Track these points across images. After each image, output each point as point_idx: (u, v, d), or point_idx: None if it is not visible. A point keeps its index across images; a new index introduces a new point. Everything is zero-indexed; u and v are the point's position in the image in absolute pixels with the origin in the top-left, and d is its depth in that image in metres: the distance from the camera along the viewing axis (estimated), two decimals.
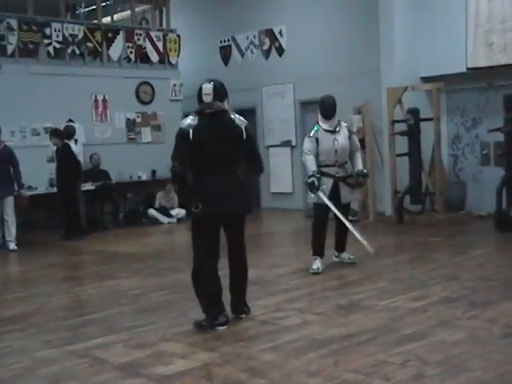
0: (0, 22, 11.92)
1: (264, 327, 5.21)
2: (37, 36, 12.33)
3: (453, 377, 3.94)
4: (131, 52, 13.68)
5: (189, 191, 5.15)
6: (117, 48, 13.47)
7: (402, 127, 10.86)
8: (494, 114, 10.31)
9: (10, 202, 10.15)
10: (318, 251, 7.27)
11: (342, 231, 7.53)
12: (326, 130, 7.19)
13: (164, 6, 14.69)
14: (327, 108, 7.25)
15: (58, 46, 12.58)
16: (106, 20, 14.96)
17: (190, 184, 5.13)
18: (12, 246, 10.07)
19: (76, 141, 11.89)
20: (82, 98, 12.70)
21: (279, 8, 13.90)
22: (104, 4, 14.58)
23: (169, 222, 12.74)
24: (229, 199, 5.14)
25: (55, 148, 10.96)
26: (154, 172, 13.63)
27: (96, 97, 13.06)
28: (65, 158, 10.80)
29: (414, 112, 10.68)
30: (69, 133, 11.38)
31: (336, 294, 6.22)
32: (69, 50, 12.76)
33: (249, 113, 14.70)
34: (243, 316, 5.42)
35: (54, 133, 11.12)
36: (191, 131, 5.02)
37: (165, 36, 14.20)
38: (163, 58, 14.18)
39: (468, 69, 10.57)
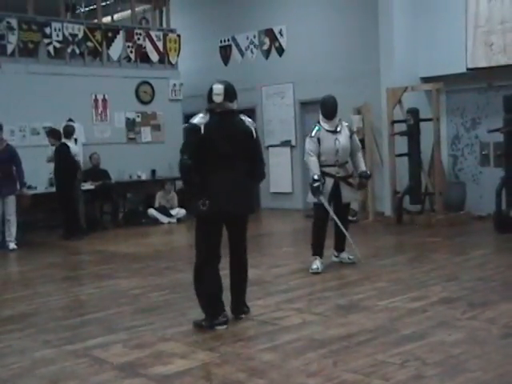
0: (0, 21, 11.92)
1: (263, 327, 5.21)
2: (37, 35, 12.32)
3: (452, 377, 3.95)
4: (131, 52, 13.68)
5: (196, 187, 5.13)
6: (117, 48, 13.47)
7: (402, 127, 10.86)
8: (494, 114, 10.32)
9: (11, 201, 10.14)
10: (318, 251, 7.27)
11: (341, 231, 7.54)
12: (327, 130, 7.19)
13: (164, 5, 14.69)
14: (328, 108, 7.25)
15: (58, 45, 12.58)
16: (106, 20, 14.96)
17: (197, 179, 5.11)
18: (12, 245, 10.07)
19: (76, 140, 11.91)
20: (82, 97, 12.70)
21: (279, 8, 13.90)
22: (104, 4, 14.58)
23: (168, 222, 12.75)
24: (235, 198, 5.16)
25: (54, 148, 10.96)
26: (153, 172, 13.63)
27: (96, 96, 13.06)
28: (63, 158, 10.79)
29: (413, 112, 10.68)
30: (68, 132, 11.38)
31: (335, 294, 6.23)
32: (69, 50, 12.75)
33: (249, 113, 14.61)
34: (243, 316, 5.42)
35: (50, 133, 11.11)
36: (202, 127, 5.06)
37: (165, 36, 14.20)
38: (163, 58, 14.18)
39: (468, 69, 10.58)
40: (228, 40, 15.07)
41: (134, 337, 5.09)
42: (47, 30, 12.45)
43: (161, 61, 14.15)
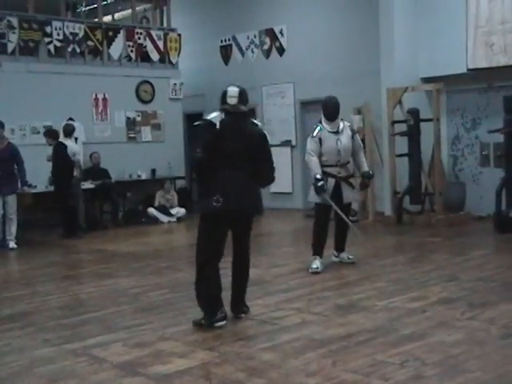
0: (1, 20, 11.92)
1: (263, 327, 5.21)
2: (37, 34, 12.33)
3: (451, 377, 3.95)
4: (132, 51, 13.68)
5: (209, 183, 5.13)
6: (117, 47, 13.47)
7: (402, 128, 10.87)
8: (494, 114, 10.32)
9: (12, 200, 10.14)
10: (318, 251, 7.27)
11: (342, 231, 7.55)
12: (329, 131, 7.19)
13: (165, 5, 14.69)
14: (331, 110, 7.23)
15: (58, 44, 12.58)
16: (107, 19, 14.96)
17: (209, 174, 5.12)
18: (12, 244, 10.07)
19: (76, 139, 11.91)
20: (83, 96, 12.70)
21: (280, 8, 13.91)
22: (105, 3, 14.59)
23: (168, 221, 12.75)
24: (246, 198, 5.19)
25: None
26: (153, 171, 13.64)
27: (96, 95, 13.07)
28: (60, 158, 10.79)
29: (413, 112, 10.69)
30: (68, 131, 11.38)
31: (335, 294, 6.22)
32: (69, 49, 12.76)
33: (249, 112, 14.72)
34: (242, 315, 5.42)
35: (47, 133, 11.09)
36: (218, 123, 5.11)
37: (165, 35, 14.21)
38: (164, 57, 14.18)
39: (468, 70, 10.58)
40: (228, 40, 15.07)
41: (134, 336, 5.09)
42: (48, 29, 12.45)
43: (161, 60, 14.15)
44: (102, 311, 5.96)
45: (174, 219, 12.83)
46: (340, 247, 7.67)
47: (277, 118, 14.06)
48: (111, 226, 12.28)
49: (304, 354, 4.49)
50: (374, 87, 11.50)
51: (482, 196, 10.91)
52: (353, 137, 7.33)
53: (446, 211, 10.72)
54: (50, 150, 11.21)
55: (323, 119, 7.27)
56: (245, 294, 5.52)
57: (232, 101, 5.19)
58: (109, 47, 13.34)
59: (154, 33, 14.06)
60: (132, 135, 13.64)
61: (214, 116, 5.19)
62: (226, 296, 5.42)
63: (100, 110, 13.15)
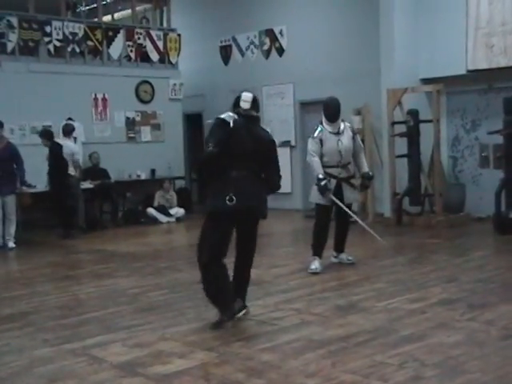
0: (0, 19, 11.92)
1: (262, 327, 5.21)
2: (37, 34, 12.32)
3: (451, 378, 3.95)
4: (131, 51, 13.68)
5: (219, 181, 5.13)
6: (117, 47, 13.47)
7: (402, 129, 10.87)
8: (494, 116, 10.32)
9: (12, 200, 10.13)
10: (318, 252, 7.27)
11: (342, 232, 7.55)
12: (330, 132, 7.19)
13: (165, 5, 14.70)
14: (332, 111, 7.23)
15: (58, 44, 12.58)
16: (107, 19, 14.96)
17: (218, 174, 5.12)
18: (11, 244, 10.06)
19: (75, 139, 11.91)
20: (82, 96, 12.70)
21: (280, 8, 13.90)
22: (104, 2, 14.58)
23: (167, 222, 12.75)
24: (256, 198, 5.22)
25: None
26: (153, 171, 13.64)
27: (96, 95, 13.06)
28: (55, 158, 10.78)
29: (413, 113, 10.69)
30: (67, 131, 11.38)
31: (334, 294, 6.22)
32: (69, 49, 12.76)
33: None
34: (240, 315, 5.39)
35: (42, 134, 11.04)
36: (232, 122, 5.14)
37: (165, 35, 14.21)
38: (163, 58, 14.18)
39: (468, 71, 10.58)
40: (228, 40, 15.06)
41: (133, 336, 5.09)
42: (47, 29, 12.45)
43: (161, 60, 14.16)
44: (101, 311, 5.96)
45: (173, 219, 12.83)
46: (339, 248, 7.67)
47: (276, 119, 14.04)
48: (111, 226, 12.27)
49: (303, 354, 4.48)
50: (373, 88, 11.50)
51: (481, 197, 10.90)
52: (353, 138, 7.33)
53: (446, 212, 10.72)
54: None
55: (324, 120, 7.27)
56: (246, 294, 5.50)
57: (245, 105, 5.27)
58: (108, 47, 13.35)
59: (153, 33, 14.06)
60: (131, 135, 13.64)
61: (227, 115, 5.21)
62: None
63: (100, 110, 13.15)
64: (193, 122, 15.81)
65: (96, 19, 13.92)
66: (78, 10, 15.41)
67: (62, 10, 13.18)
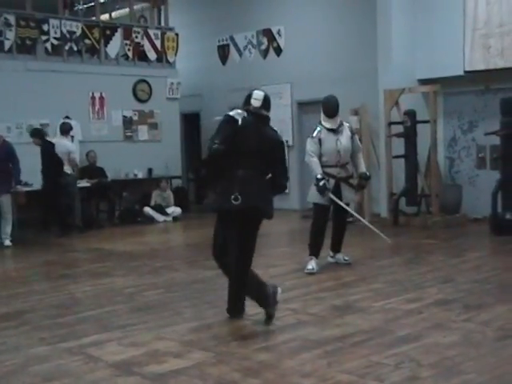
0: None
1: (258, 327, 5.21)
2: (34, 32, 12.30)
3: (447, 379, 3.95)
4: (129, 50, 13.67)
5: (224, 180, 5.09)
6: (114, 45, 13.45)
7: (399, 129, 10.88)
8: (491, 117, 10.33)
9: (7, 199, 10.11)
10: (315, 252, 7.28)
11: (339, 232, 7.56)
12: (328, 130, 7.19)
13: (163, 4, 14.68)
14: (330, 106, 7.26)
15: (55, 42, 12.56)
16: (104, 17, 14.94)
17: (224, 172, 5.08)
18: (7, 242, 10.06)
19: (72, 138, 11.90)
20: (79, 95, 12.68)
21: (278, 8, 13.91)
22: (102, 1, 14.56)
23: (164, 221, 12.75)
24: (261, 198, 5.16)
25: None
26: (150, 170, 13.63)
27: (93, 94, 13.05)
28: (48, 156, 10.77)
29: (410, 114, 10.70)
30: (65, 129, 11.37)
31: (331, 294, 6.22)
32: (66, 47, 12.74)
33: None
34: (279, 296, 5.32)
35: (33, 134, 11.01)
36: (240, 119, 5.10)
37: (163, 34, 14.19)
38: (161, 57, 14.17)
39: (465, 72, 10.59)
40: (226, 39, 15.06)
41: (129, 335, 5.08)
42: (45, 27, 12.43)
43: (158, 59, 14.14)
44: (97, 310, 5.95)
45: (170, 218, 12.83)
46: (336, 248, 7.67)
47: (274, 119, 13.82)
48: (107, 225, 12.26)
49: (299, 354, 4.48)
50: (371, 88, 11.51)
51: (478, 198, 10.91)
52: (352, 138, 7.35)
53: (442, 213, 10.74)
54: None
55: (323, 117, 7.29)
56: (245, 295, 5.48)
57: (256, 103, 5.23)
58: (106, 46, 13.33)
59: (151, 32, 14.04)
60: (129, 134, 13.63)
61: (236, 113, 5.17)
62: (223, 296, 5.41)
63: (97, 109, 13.13)
64: (190, 121, 15.82)
65: (94, 18, 13.90)
66: (75, 9, 15.38)
67: (60, 9, 13.15)
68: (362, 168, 7.46)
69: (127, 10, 14.71)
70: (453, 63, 10.56)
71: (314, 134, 7.19)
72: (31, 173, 10.95)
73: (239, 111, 5.19)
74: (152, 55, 14.00)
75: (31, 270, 8.35)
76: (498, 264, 7.63)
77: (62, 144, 11.19)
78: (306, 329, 5.07)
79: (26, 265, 8.69)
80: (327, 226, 7.37)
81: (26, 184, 11.11)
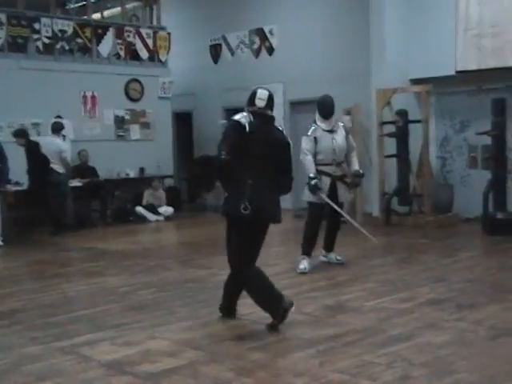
0: None
1: (252, 326, 5.22)
2: (26, 31, 12.25)
3: (439, 378, 3.97)
4: (121, 49, 13.63)
5: (234, 187, 5.01)
6: (106, 44, 13.41)
7: (391, 129, 10.90)
8: (483, 117, 10.36)
9: None
10: (308, 251, 7.29)
11: (332, 231, 7.57)
12: (324, 130, 7.21)
13: (155, 3, 14.65)
14: (327, 108, 7.28)
15: (47, 41, 12.51)
16: (96, 16, 14.91)
17: (234, 178, 4.99)
18: None
19: (64, 137, 11.86)
20: (71, 94, 12.63)
21: (270, 8, 13.91)
22: (94, 0, 14.52)
23: (156, 220, 12.73)
24: (269, 206, 5.10)
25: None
26: (142, 169, 13.62)
27: (85, 93, 13.01)
28: (33, 156, 10.72)
29: (402, 114, 10.73)
30: (56, 128, 11.33)
31: (324, 294, 6.24)
32: (58, 46, 12.69)
33: (238, 111, 14.68)
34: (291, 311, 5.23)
35: (16, 134, 10.93)
36: (247, 125, 4.98)
37: (155, 33, 14.16)
38: (153, 56, 14.14)
39: (457, 72, 10.62)
40: (218, 39, 15.06)
41: (122, 334, 5.08)
42: (36, 26, 12.37)
43: (150, 58, 14.11)
44: (90, 309, 5.95)
45: (162, 218, 12.82)
46: (329, 247, 7.69)
47: None
48: (100, 224, 12.24)
49: (292, 353, 4.50)
50: (363, 88, 11.53)
51: (469, 198, 10.94)
52: (347, 137, 7.37)
53: (434, 213, 10.76)
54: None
55: (318, 117, 7.30)
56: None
57: (261, 103, 5.13)
58: (98, 45, 13.29)
59: (143, 31, 14.00)
60: (121, 133, 13.59)
61: (243, 118, 5.05)
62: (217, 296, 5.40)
63: (89, 108, 13.10)
64: (182, 120, 15.80)
65: (85, 17, 13.86)
66: (67, 7, 15.35)
67: (51, 7, 13.12)
68: (356, 166, 7.48)
69: (119, 9, 14.68)
70: (445, 63, 10.59)
71: (309, 133, 7.20)
72: (23, 172, 10.90)
73: (245, 114, 5.07)
74: (144, 54, 13.97)
75: (23, 269, 8.34)
76: (490, 264, 7.67)
77: (53, 143, 11.15)
78: (298, 328, 5.08)
79: (19, 264, 8.67)
80: (321, 225, 7.38)
81: (17, 183, 11.06)
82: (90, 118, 13.12)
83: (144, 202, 12.90)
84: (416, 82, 11.31)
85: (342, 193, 7.37)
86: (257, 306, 5.16)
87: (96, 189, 12.38)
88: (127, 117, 13.65)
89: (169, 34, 14.36)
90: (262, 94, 5.17)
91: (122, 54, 13.68)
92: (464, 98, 11.19)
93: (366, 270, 7.34)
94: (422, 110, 10.85)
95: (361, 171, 7.60)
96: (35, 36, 12.38)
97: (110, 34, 13.43)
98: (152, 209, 12.81)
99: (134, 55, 13.87)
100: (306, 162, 7.14)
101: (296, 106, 13.47)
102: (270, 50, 14.04)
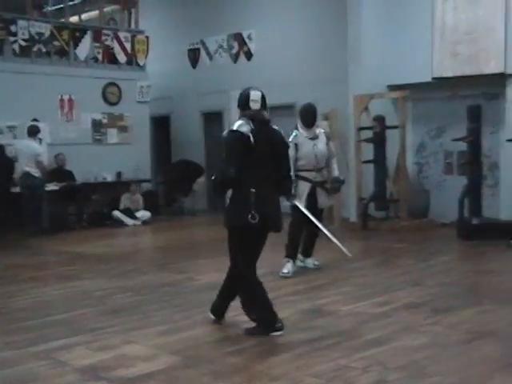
0: None
1: (228, 330, 5.21)
2: (2, 33, 12.14)
3: (414, 381, 4.00)
4: (98, 52, 13.57)
5: (239, 197, 4.90)
6: (84, 48, 13.35)
7: (369, 134, 10.96)
8: (459, 123, 10.45)
9: None
10: (292, 254, 7.30)
11: (310, 237, 7.57)
12: (305, 136, 7.23)
13: (133, 6, 14.60)
14: (310, 117, 7.29)
15: (23, 43, 12.41)
16: (74, 19, 14.82)
17: (239, 189, 4.89)
18: None
19: (41, 140, 11.76)
20: (48, 97, 12.53)
21: (249, 13, 13.93)
22: (71, 3, 14.44)
23: (133, 224, 12.67)
24: (275, 215, 5.06)
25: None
26: (119, 173, 13.54)
27: (62, 96, 12.91)
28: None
29: (379, 119, 10.79)
30: (32, 131, 11.24)
31: (301, 298, 6.24)
32: (35, 49, 12.60)
33: (216, 116, 14.71)
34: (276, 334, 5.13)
35: None
36: (251, 135, 4.86)
37: (133, 37, 14.11)
38: (131, 59, 14.09)
39: (433, 78, 10.71)
40: (197, 43, 15.05)
41: (98, 339, 5.04)
42: (13, 28, 12.27)
43: (128, 62, 14.06)
44: (66, 314, 5.89)
45: (139, 222, 12.76)
46: (307, 253, 7.70)
47: None
48: (76, 228, 12.14)
49: (268, 358, 4.50)
50: (341, 93, 11.57)
51: (445, 203, 11.03)
52: (327, 143, 7.39)
53: (411, 217, 10.83)
54: (13, 150, 11.11)
55: (300, 125, 7.31)
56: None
57: (255, 105, 5.00)
58: (75, 48, 13.22)
59: (121, 34, 13.95)
60: (98, 137, 13.52)
61: (245, 127, 4.88)
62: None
63: (66, 111, 13.01)
64: (160, 124, 15.75)
65: (63, 19, 13.78)
66: (44, 10, 15.23)
67: (29, 10, 13.02)
68: (336, 173, 7.51)
69: (97, 12, 14.61)
70: (422, 70, 10.67)
71: (290, 139, 7.15)
72: None
73: (243, 122, 4.92)
74: (122, 58, 13.91)
75: None
76: (465, 268, 7.74)
77: (29, 146, 11.07)
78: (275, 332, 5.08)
79: None
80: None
81: None
82: (67, 121, 13.03)
83: (121, 206, 12.83)
84: (393, 88, 11.38)
85: (321, 199, 7.39)
86: (242, 308, 5.16)
87: (73, 192, 12.30)
88: (105, 120, 13.59)
89: (147, 37, 14.32)
90: (255, 96, 5.04)
91: (100, 57, 13.62)
92: (440, 104, 11.29)
93: (343, 274, 7.36)
94: (399, 115, 10.92)
95: (341, 178, 7.63)
96: (12, 38, 12.29)
97: (88, 37, 13.37)
98: (129, 213, 12.75)
99: (111, 59, 13.80)
100: None
101: (274, 110, 13.35)
102: (249, 55, 14.06)
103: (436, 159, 11.53)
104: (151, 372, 4.27)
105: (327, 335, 4.95)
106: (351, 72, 11.42)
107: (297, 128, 7.31)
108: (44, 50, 12.76)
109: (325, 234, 7.03)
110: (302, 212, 7.23)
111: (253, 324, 5.09)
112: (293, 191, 6.98)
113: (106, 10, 14.79)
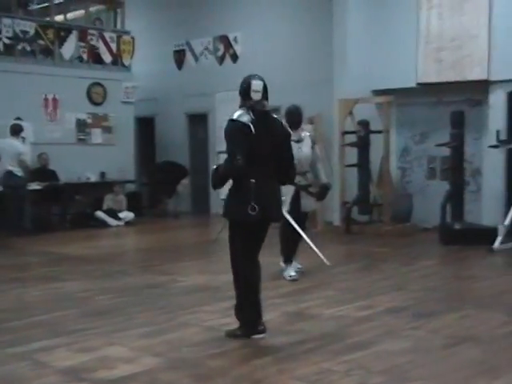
0: None
1: (210, 333, 5.19)
2: None
3: None
4: (84, 52, 13.50)
5: (239, 189, 4.83)
6: (69, 47, 13.27)
7: (353, 138, 11.01)
8: (442, 128, 10.52)
9: None
10: (290, 257, 7.31)
11: (294, 241, 7.56)
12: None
13: (119, 7, 14.56)
14: (295, 119, 7.19)
15: (7, 42, 12.33)
16: (59, 18, 14.74)
17: (239, 180, 4.83)
18: None
19: (24, 139, 11.68)
20: (32, 96, 12.44)
21: (235, 15, 13.94)
22: (57, 1, 14.37)
23: (117, 225, 12.62)
24: (274, 203, 5.00)
25: None
26: (103, 174, 13.48)
27: (46, 96, 12.84)
28: None
29: (364, 124, 10.85)
30: (15, 130, 11.17)
31: (284, 301, 6.24)
32: (19, 47, 12.52)
33: (201, 118, 14.71)
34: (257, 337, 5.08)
35: None
36: (252, 126, 4.80)
37: (119, 37, 14.06)
38: (116, 60, 14.04)
39: (418, 84, 10.78)
40: (182, 45, 15.03)
41: (79, 340, 5.01)
42: None
43: (114, 62, 14.00)
44: (47, 315, 5.85)
45: (122, 223, 12.71)
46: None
47: None
48: (59, 229, 12.07)
49: (251, 361, 4.49)
50: (326, 98, 11.61)
51: (428, 208, 11.09)
52: (313, 147, 7.37)
53: (394, 222, 10.88)
54: None
55: None
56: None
57: (256, 96, 4.90)
58: (60, 47, 13.14)
59: (107, 35, 13.90)
60: (82, 137, 13.45)
61: (245, 117, 4.82)
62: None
63: (50, 111, 12.93)
64: (145, 125, 15.71)
65: (48, 18, 13.70)
66: (29, 8, 15.14)
67: (13, 7, 12.93)
68: (323, 178, 7.46)
69: (83, 11, 14.55)
70: (406, 75, 10.74)
71: None
72: None
73: (244, 112, 4.87)
74: (107, 58, 13.85)
75: None
76: (448, 273, 7.80)
77: (12, 145, 11.01)
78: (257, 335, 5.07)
79: None
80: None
81: None
82: (51, 120, 12.95)
83: (104, 206, 12.78)
84: (378, 92, 11.44)
85: (305, 202, 7.38)
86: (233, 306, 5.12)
87: (56, 192, 12.23)
88: (89, 120, 13.52)
89: (133, 38, 14.27)
90: (256, 86, 4.96)
91: (85, 57, 13.55)
92: (424, 109, 11.36)
93: (326, 277, 7.37)
94: (383, 120, 10.98)
95: (330, 183, 7.64)
96: None
97: (73, 36, 13.30)
98: (112, 214, 12.70)
99: (96, 59, 13.74)
100: None
101: None
102: (234, 58, 14.07)
103: (419, 164, 11.60)
104: (133, 374, 4.26)
105: (310, 338, 4.96)
106: (336, 76, 11.47)
107: None
108: (29, 48, 12.68)
109: (310, 236, 7.05)
110: (293, 214, 7.24)
111: (234, 326, 5.07)
112: (296, 180, 7.05)
113: (91, 9, 14.73)
